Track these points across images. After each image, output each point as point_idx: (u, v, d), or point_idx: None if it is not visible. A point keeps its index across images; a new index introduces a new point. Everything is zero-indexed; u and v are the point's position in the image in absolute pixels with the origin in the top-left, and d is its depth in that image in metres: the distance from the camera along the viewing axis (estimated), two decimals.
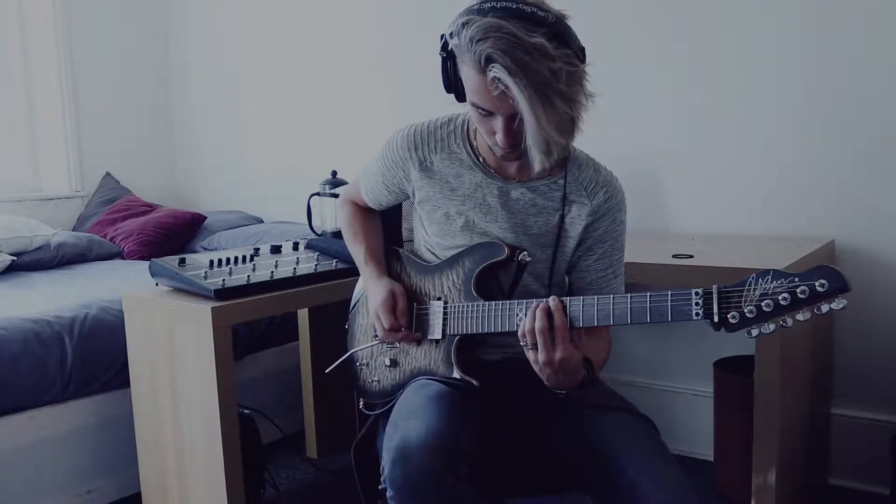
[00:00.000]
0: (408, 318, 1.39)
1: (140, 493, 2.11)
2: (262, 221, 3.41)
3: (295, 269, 2.03)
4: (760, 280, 1.06)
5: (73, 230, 3.41)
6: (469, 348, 1.37)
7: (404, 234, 1.65)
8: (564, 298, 1.20)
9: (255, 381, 2.50)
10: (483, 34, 1.13)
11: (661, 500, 1.16)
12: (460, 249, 1.39)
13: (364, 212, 1.61)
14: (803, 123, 2.20)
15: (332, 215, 2.34)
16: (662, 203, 2.46)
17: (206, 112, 3.78)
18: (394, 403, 1.36)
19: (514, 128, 1.21)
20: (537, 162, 1.20)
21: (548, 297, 1.21)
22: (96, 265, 3.00)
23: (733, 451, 2.15)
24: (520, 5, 1.14)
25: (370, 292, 1.46)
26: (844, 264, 2.15)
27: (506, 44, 1.11)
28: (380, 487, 1.19)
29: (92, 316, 2.17)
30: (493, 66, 1.12)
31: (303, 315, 2.52)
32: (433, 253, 1.46)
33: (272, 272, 1.99)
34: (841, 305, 1.02)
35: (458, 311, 1.35)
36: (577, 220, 1.37)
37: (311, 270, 2.04)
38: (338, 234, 2.25)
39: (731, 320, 1.07)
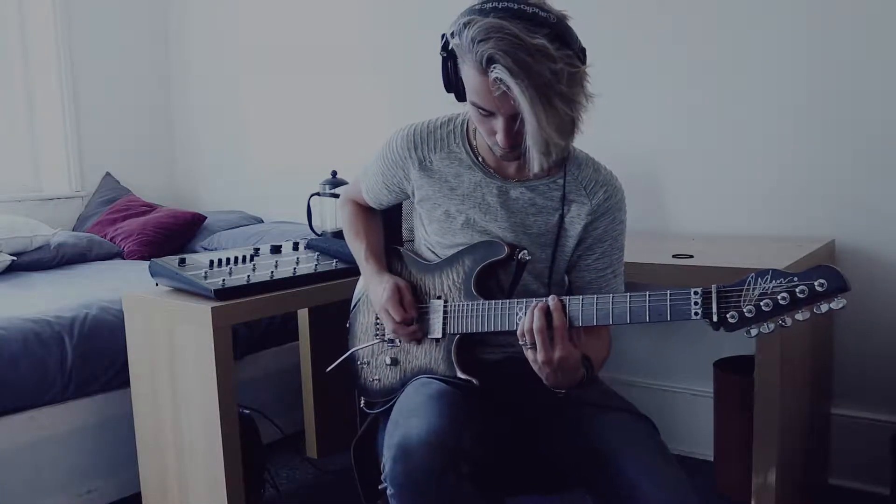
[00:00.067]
0: (416, 308, 1.39)
1: (140, 493, 2.11)
2: (262, 221, 3.41)
3: (295, 269, 2.03)
4: (760, 279, 1.06)
5: (73, 230, 3.41)
6: (469, 347, 1.38)
7: (404, 233, 1.65)
8: (564, 298, 1.20)
9: (255, 381, 2.50)
10: (485, 34, 1.13)
11: (662, 500, 1.16)
12: (460, 248, 1.40)
13: (365, 211, 1.61)
14: (803, 123, 2.20)
15: (332, 215, 2.34)
16: (662, 203, 2.46)
17: (206, 112, 3.78)
18: (394, 402, 1.36)
19: (514, 128, 1.21)
20: (536, 162, 1.20)
21: (548, 296, 1.21)
22: (96, 265, 3.00)
23: (733, 451, 2.15)
24: (521, 6, 1.14)
25: (372, 289, 1.46)
26: (844, 264, 2.15)
27: (508, 45, 1.11)
28: (380, 487, 1.19)
29: (92, 316, 2.17)
30: (494, 67, 1.12)
31: (303, 315, 2.52)
32: (433, 252, 1.46)
33: (272, 272, 1.99)
34: (840, 305, 1.02)
35: (459, 310, 1.35)
36: (576, 219, 1.37)
37: (311, 270, 2.04)
38: (338, 234, 2.25)
39: (731, 320, 1.07)
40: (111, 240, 3.25)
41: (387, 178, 1.48)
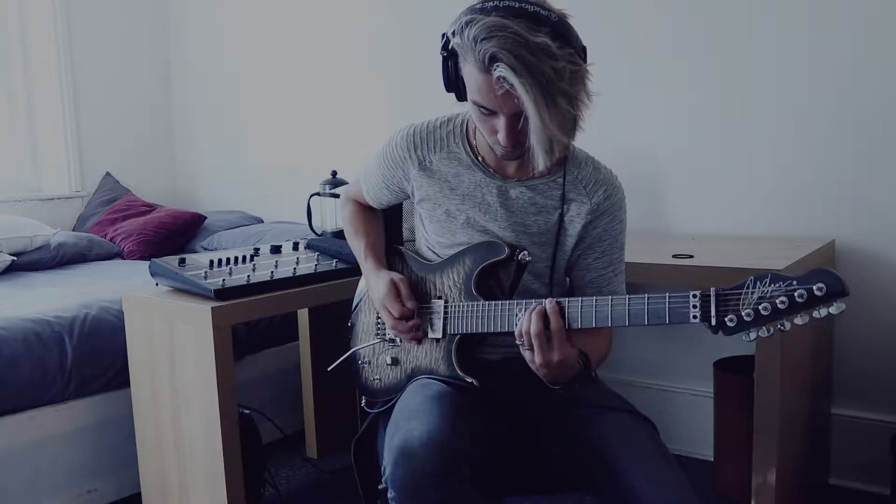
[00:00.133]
0: (414, 301, 1.38)
1: (140, 493, 2.11)
2: (262, 221, 3.41)
3: (295, 269, 2.03)
4: (759, 283, 1.05)
5: (73, 230, 3.42)
6: (469, 347, 1.38)
7: (405, 233, 1.65)
8: (562, 300, 1.20)
9: (255, 381, 2.50)
10: (487, 33, 1.12)
11: (662, 501, 1.16)
12: (461, 248, 1.40)
13: (366, 210, 1.61)
14: (803, 123, 2.19)
15: (333, 215, 2.34)
16: (662, 203, 2.46)
17: (206, 112, 3.78)
18: (395, 402, 1.36)
19: (516, 127, 1.21)
20: (541, 161, 1.20)
21: (549, 295, 1.21)
22: (96, 265, 3.00)
23: (733, 451, 2.15)
24: (523, 5, 1.14)
25: (371, 287, 1.46)
26: (844, 264, 2.15)
27: (511, 43, 1.11)
28: (380, 487, 1.19)
29: (92, 316, 2.17)
30: (497, 66, 1.12)
31: (303, 315, 2.52)
32: (434, 252, 1.46)
33: (272, 272, 1.99)
34: (839, 310, 1.01)
35: (459, 311, 1.35)
36: (576, 218, 1.37)
37: (311, 270, 2.04)
38: (338, 234, 2.25)
39: (729, 323, 1.07)
40: (111, 240, 3.25)
41: (387, 179, 1.49)
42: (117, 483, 2.18)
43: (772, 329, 1.06)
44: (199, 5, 3.73)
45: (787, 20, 2.19)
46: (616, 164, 1.43)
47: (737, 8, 2.26)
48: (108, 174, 3.68)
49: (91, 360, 2.11)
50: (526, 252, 1.33)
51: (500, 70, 1.12)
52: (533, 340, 1.18)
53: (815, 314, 1.03)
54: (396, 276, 1.42)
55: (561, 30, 1.15)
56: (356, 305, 1.59)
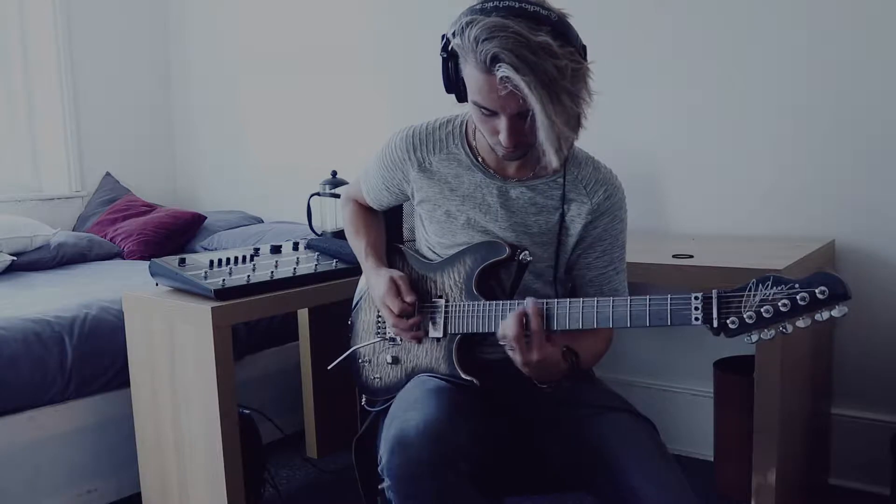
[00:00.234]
0: (413, 296, 1.38)
1: (140, 493, 2.11)
2: (262, 221, 3.41)
3: (295, 269, 2.03)
4: (760, 285, 1.06)
5: (73, 230, 3.41)
6: (470, 347, 1.38)
7: (405, 233, 1.65)
8: (544, 301, 1.21)
9: (255, 381, 2.50)
10: (489, 34, 1.12)
11: (662, 502, 1.16)
12: (461, 248, 1.40)
13: (366, 210, 1.61)
14: (803, 123, 2.20)
15: (333, 215, 2.34)
16: (662, 203, 2.46)
17: (206, 112, 3.78)
18: None
19: (517, 127, 1.21)
20: (553, 159, 1.19)
21: (553, 295, 1.21)
22: (96, 265, 3.00)
23: (733, 451, 2.15)
24: (523, 4, 1.14)
25: (371, 285, 1.46)
26: (844, 264, 2.15)
27: (512, 43, 1.11)
28: (380, 486, 1.19)
29: (92, 316, 2.17)
30: (500, 66, 1.12)
31: (303, 315, 2.52)
32: (434, 252, 1.46)
33: (272, 272, 1.99)
34: (842, 313, 1.02)
35: (459, 310, 1.35)
36: (576, 218, 1.37)
37: (311, 270, 2.04)
38: (338, 234, 2.25)
39: (731, 326, 1.07)
40: (111, 240, 3.24)
41: (387, 180, 1.49)
42: (117, 483, 2.18)
43: (773, 331, 1.06)
44: (199, 5, 3.73)
45: (786, 20, 2.19)
46: (615, 164, 1.44)
47: (736, 8, 2.26)
48: (108, 174, 3.68)
49: (91, 360, 2.11)
50: (527, 252, 1.33)
51: (503, 70, 1.12)
52: (513, 342, 1.20)
53: (818, 317, 1.03)
54: (396, 273, 1.42)
55: (561, 29, 1.15)
56: (356, 304, 1.60)
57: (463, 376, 1.32)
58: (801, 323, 1.04)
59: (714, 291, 1.09)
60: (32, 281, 2.71)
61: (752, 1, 2.24)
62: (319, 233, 2.35)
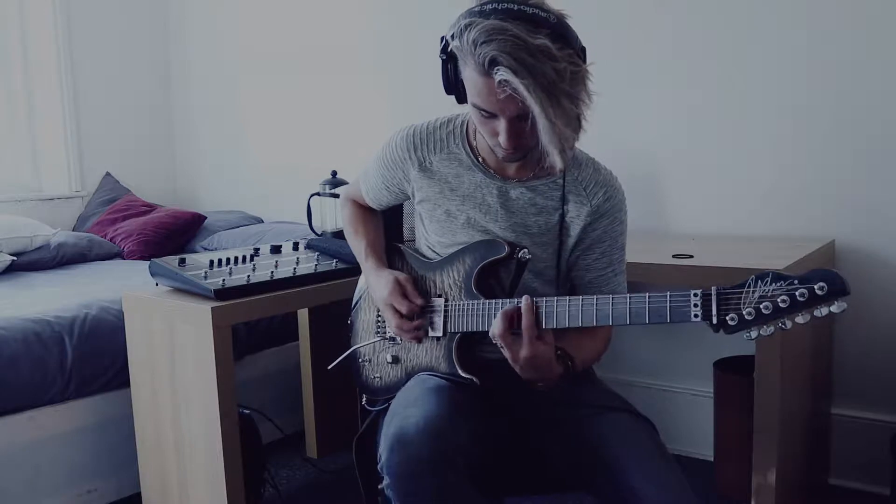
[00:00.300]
0: (422, 298, 1.39)
1: (140, 493, 2.11)
2: (262, 221, 3.41)
3: (295, 269, 2.03)
4: (760, 282, 1.06)
5: (73, 230, 3.41)
6: (470, 346, 1.38)
7: (405, 233, 1.65)
8: (538, 299, 1.22)
9: (255, 381, 2.50)
10: (487, 36, 1.12)
11: (662, 502, 1.16)
12: (461, 247, 1.40)
13: (365, 210, 1.61)
14: (803, 123, 2.20)
15: (333, 215, 2.34)
16: (662, 203, 2.46)
17: (206, 112, 3.78)
18: None
19: (517, 129, 1.21)
20: (557, 160, 1.19)
21: (554, 295, 1.21)
22: (96, 265, 3.00)
23: (733, 451, 2.15)
24: (521, 7, 1.14)
25: (372, 286, 1.46)
26: (844, 264, 2.15)
27: (511, 46, 1.11)
28: (380, 486, 1.19)
29: (92, 316, 2.17)
30: (498, 69, 1.12)
31: (303, 315, 2.52)
32: (434, 251, 1.46)
33: (272, 272, 1.99)
34: (841, 309, 1.02)
35: (459, 309, 1.35)
36: (576, 219, 1.37)
37: (311, 270, 2.05)
38: (338, 234, 2.25)
39: (730, 322, 1.07)
40: (111, 240, 3.25)
41: (387, 180, 1.49)
42: (117, 483, 2.18)
43: (773, 328, 1.06)
44: (199, 5, 3.73)
45: (786, 20, 2.19)
46: (615, 164, 1.44)
47: (736, 8, 2.26)
48: (108, 174, 3.68)
49: (91, 360, 2.11)
50: (526, 250, 1.34)
51: (502, 73, 1.12)
52: (500, 340, 1.21)
53: (817, 313, 1.03)
54: (400, 274, 1.42)
55: (560, 31, 1.15)
56: (356, 303, 1.60)
57: (463, 375, 1.32)
58: (800, 319, 1.05)
59: (713, 288, 1.09)
60: (32, 281, 2.71)
61: (752, 1, 2.24)
62: (319, 233, 2.35)
